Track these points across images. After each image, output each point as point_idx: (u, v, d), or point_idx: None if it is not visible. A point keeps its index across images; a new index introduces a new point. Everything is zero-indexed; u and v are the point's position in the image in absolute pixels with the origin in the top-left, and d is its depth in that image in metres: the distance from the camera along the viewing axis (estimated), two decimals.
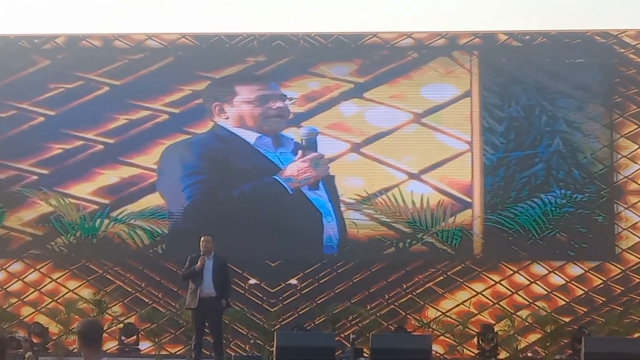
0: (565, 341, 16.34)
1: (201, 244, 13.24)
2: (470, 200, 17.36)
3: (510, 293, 17.07)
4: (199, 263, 13.03)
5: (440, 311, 17.01)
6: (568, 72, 17.43)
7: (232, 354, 16.12)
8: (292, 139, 17.53)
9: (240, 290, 17.06)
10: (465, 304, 16.97)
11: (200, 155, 17.68)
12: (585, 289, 17.02)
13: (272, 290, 17.33)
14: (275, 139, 17.54)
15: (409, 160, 17.48)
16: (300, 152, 17.42)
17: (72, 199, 17.64)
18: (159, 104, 17.75)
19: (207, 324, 13.35)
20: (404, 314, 17.12)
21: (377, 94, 17.60)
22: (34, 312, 17.42)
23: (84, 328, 6.02)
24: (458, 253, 17.23)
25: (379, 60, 17.69)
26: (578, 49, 17.51)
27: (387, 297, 17.20)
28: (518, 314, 16.77)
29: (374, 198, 17.36)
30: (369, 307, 16.97)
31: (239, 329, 16.84)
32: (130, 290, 17.44)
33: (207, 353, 13.72)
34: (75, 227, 17.59)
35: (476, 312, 16.92)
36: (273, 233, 17.20)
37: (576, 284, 17.05)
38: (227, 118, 17.64)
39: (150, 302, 17.34)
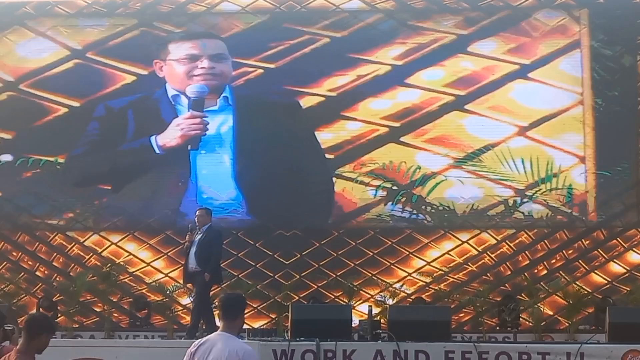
0: (590, 311, 15.94)
1: (195, 218, 13.08)
2: (582, 155, 16.82)
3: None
4: (187, 237, 12.92)
5: (464, 286, 16.60)
6: None
7: (246, 327, 15.85)
8: (203, 97, 17.19)
9: (252, 262, 16.80)
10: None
11: (115, 111, 17.55)
12: (607, 256, 16.63)
13: (287, 262, 16.98)
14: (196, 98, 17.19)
15: (516, 114, 16.93)
16: (189, 112, 17.17)
17: None
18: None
19: None
20: (424, 283, 16.80)
21: (483, 47, 17.10)
22: (40, 285, 17.25)
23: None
24: (571, 214, 16.78)
25: (484, 14, 17.16)
26: None
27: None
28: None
29: (480, 154, 16.85)
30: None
31: (252, 303, 16.56)
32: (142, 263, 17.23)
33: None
34: None
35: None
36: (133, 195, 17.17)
37: (602, 252, 16.67)
38: (164, 76, 17.44)
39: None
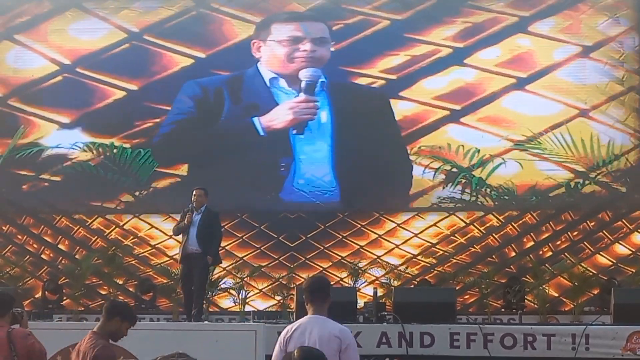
0: (595, 292, 15.91)
1: (192, 198, 12.93)
2: None
3: None
4: (185, 219, 12.81)
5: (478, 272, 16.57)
6: None
7: (252, 310, 15.89)
8: (317, 81, 16.87)
9: (256, 245, 16.79)
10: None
11: (203, 93, 17.24)
12: (612, 238, 16.58)
13: (292, 245, 16.97)
14: (293, 80, 16.89)
15: (574, 95, 16.72)
16: (303, 95, 16.84)
17: None
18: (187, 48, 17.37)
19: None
20: (429, 265, 16.77)
21: (541, 28, 16.84)
22: (45, 269, 17.26)
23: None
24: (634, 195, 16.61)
25: None
26: None
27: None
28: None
29: (539, 137, 16.66)
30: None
31: (256, 286, 16.58)
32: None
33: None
34: None
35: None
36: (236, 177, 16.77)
37: (607, 234, 16.63)
38: (261, 57, 17.16)
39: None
